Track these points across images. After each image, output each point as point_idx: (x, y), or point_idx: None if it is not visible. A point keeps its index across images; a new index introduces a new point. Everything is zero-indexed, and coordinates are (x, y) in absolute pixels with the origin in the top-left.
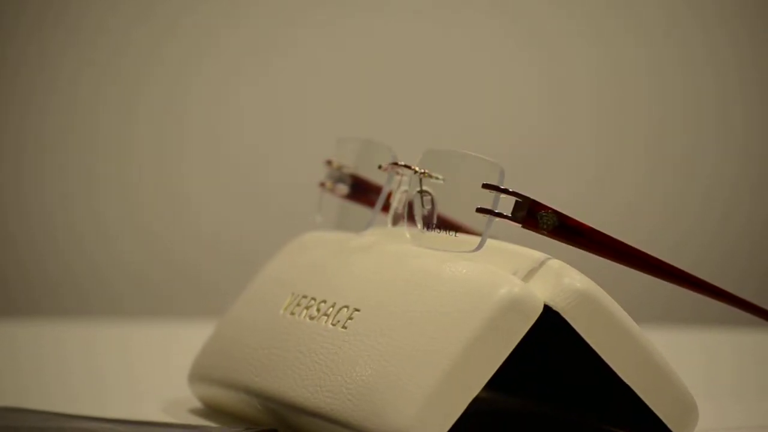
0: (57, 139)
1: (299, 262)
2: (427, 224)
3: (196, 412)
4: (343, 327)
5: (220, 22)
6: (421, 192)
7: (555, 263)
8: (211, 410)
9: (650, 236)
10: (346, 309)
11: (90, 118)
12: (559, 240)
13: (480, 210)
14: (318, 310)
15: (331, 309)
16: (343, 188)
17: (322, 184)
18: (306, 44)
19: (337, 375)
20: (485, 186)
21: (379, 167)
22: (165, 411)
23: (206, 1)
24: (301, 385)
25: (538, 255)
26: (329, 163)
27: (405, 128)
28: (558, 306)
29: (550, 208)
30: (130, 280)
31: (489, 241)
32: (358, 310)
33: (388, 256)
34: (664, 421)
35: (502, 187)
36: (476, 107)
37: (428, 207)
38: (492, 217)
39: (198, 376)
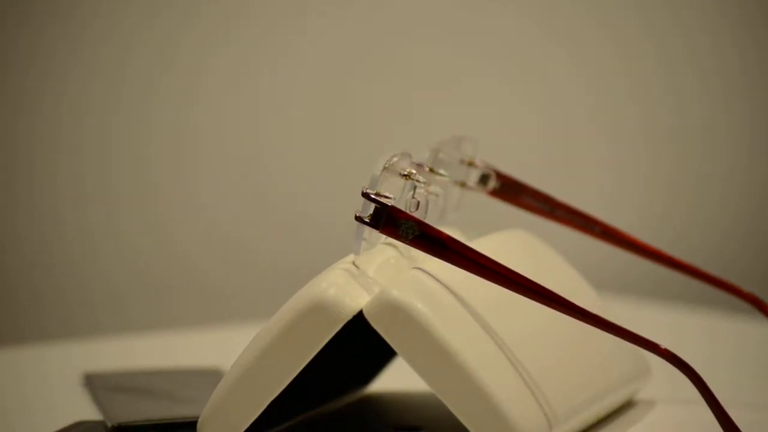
0: (68, 143)
1: None
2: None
3: None
4: None
5: (230, 23)
6: (413, 193)
7: (416, 273)
8: None
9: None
10: None
11: (101, 122)
12: (420, 249)
13: (355, 215)
14: None
15: None
16: (489, 186)
17: (463, 184)
18: (320, 40)
19: None
20: (361, 192)
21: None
22: None
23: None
24: None
25: (423, 264)
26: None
27: (411, 129)
28: (368, 313)
29: (413, 218)
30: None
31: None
32: None
33: None
34: None
35: (371, 195)
36: (483, 108)
37: (413, 209)
38: (361, 224)
39: None
